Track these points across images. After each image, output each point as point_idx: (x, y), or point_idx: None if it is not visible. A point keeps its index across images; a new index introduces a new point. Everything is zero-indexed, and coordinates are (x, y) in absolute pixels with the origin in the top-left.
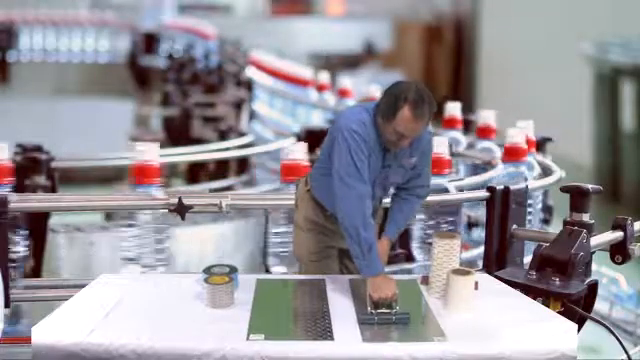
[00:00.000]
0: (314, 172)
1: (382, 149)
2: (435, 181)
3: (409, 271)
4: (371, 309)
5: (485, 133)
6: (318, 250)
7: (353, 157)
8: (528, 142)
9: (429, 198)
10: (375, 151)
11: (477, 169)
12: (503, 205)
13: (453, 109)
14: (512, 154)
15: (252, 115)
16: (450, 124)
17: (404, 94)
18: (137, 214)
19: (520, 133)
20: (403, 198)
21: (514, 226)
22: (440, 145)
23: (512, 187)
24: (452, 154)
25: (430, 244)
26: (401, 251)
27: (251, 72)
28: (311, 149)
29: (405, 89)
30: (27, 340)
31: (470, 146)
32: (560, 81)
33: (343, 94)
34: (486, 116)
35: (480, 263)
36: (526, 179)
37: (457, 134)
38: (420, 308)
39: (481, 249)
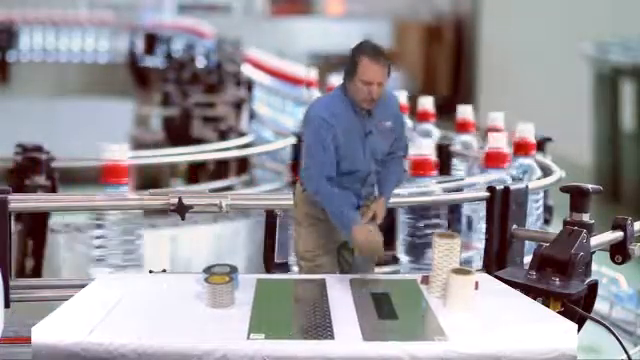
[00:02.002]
0: (302, 169)
1: (359, 117)
2: (495, 175)
3: (396, 272)
4: (357, 254)
5: (464, 127)
6: (321, 244)
7: (318, 143)
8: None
9: (430, 198)
10: (352, 122)
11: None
12: (503, 205)
13: (425, 103)
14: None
15: (252, 115)
16: (423, 117)
17: (359, 48)
18: (106, 215)
19: (501, 137)
20: (388, 161)
21: (514, 226)
22: (499, 140)
23: (512, 187)
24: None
25: (417, 245)
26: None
27: (247, 70)
28: None
29: (359, 45)
30: (27, 340)
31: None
32: (560, 81)
33: (309, 85)
34: (464, 111)
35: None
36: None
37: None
38: (420, 308)
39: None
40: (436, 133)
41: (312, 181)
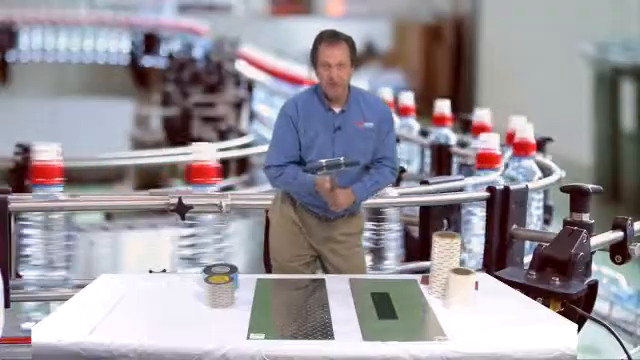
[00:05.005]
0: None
1: (328, 112)
2: (489, 177)
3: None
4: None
5: (480, 131)
6: (293, 250)
7: (274, 134)
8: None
9: (428, 197)
10: (318, 115)
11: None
12: (503, 205)
13: (443, 107)
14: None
15: (252, 115)
16: (440, 122)
17: (318, 36)
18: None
19: (493, 137)
20: (373, 168)
21: (514, 226)
22: (490, 140)
23: (512, 187)
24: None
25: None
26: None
27: (241, 66)
28: None
29: (319, 34)
30: (27, 340)
31: (463, 145)
32: (560, 81)
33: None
34: (481, 114)
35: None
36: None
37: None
38: (420, 308)
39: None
40: (453, 137)
41: (267, 170)
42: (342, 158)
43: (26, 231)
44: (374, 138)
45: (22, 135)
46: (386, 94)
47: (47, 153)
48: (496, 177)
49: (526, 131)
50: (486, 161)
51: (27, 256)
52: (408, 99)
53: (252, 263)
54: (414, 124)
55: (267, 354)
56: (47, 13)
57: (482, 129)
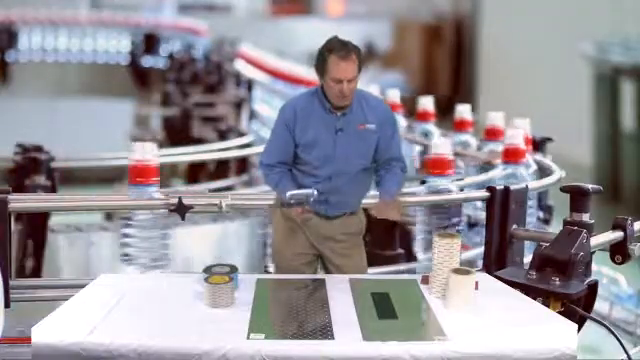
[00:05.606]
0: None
1: (330, 114)
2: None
3: (412, 270)
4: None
5: (493, 135)
6: (295, 249)
7: (271, 134)
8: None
9: (430, 197)
10: (319, 117)
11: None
12: (503, 205)
13: (426, 103)
14: (510, 155)
15: (252, 115)
16: (423, 117)
17: (327, 46)
18: (136, 214)
19: (518, 134)
20: (383, 169)
21: (514, 226)
22: (516, 136)
23: (512, 187)
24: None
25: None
26: (402, 251)
27: (239, 65)
28: None
29: (327, 43)
30: (27, 340)
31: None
32: (560, 81)
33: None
34: (462, 110)
35: (480, 263)
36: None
37: (468, 137)
38: (420, 308)
39: (481, 249)
40: (436, 133)
41: (260, 167)
42: (315, 192)
43: (127, 230)
44: (376, 140)
45: (22, 135)
46: (374, 92)
47: (145, 153)
48: (522, 171)
49: (521, 128)
50: (512, 155)
51: (128, 255)
52: (395, 96)
53: (252, 263)
54: (400, 120)
55: (267, 354)
56: (47, 13)
57: (462, 124)
